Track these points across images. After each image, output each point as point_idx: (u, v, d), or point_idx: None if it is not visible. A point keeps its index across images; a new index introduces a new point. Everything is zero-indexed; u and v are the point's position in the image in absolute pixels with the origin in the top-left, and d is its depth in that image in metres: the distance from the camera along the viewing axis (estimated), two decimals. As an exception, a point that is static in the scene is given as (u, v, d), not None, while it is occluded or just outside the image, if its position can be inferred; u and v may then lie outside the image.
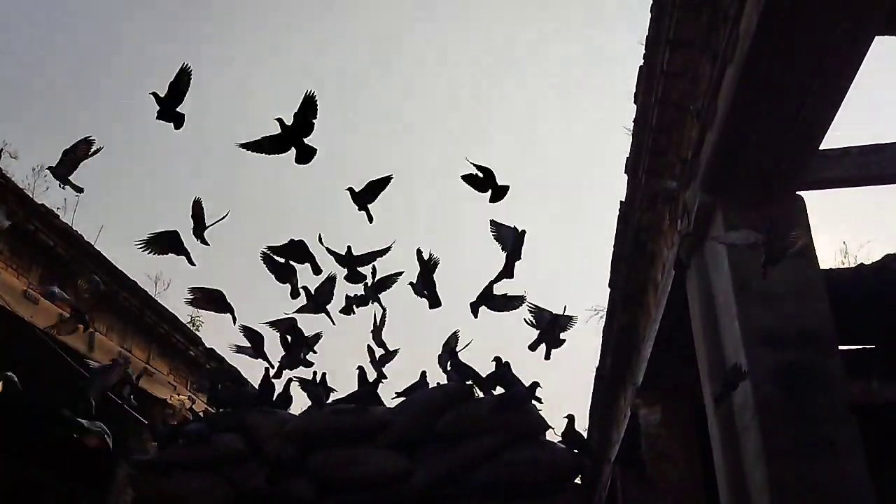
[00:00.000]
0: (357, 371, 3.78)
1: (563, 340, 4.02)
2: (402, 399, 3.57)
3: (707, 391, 5.26)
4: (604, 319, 9.61)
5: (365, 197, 3.79)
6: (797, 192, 4.65)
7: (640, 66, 5.07)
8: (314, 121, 3.49)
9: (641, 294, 7.99)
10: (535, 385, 3.29)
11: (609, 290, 8.55)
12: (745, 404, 4.34)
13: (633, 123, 5.61)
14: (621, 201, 6.71)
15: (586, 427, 14.03)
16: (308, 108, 3.43)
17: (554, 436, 3.28)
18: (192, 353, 11.28)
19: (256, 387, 4.65)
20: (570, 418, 3.36)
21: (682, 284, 5.78)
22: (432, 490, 2.62)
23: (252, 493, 3.06)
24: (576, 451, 3.37)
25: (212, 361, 11.68)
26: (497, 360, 3.59)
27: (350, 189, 3.77)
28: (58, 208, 8.40)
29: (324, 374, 4.12)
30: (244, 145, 3.56)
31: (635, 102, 5.38)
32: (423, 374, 3.86)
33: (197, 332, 11.49)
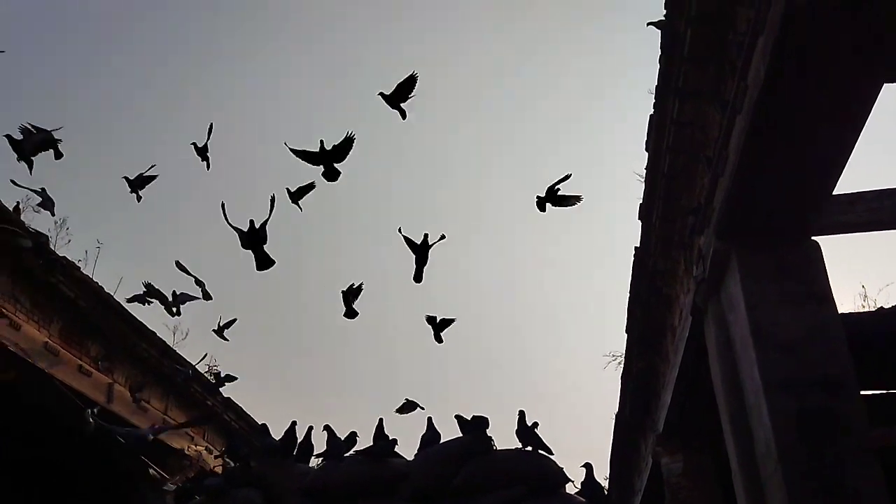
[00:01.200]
0: (376, 422, 3.84)
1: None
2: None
3: (729, 439, 5.20)
4: (622, 365, 9.56)
5: (396, 97, 4.27)
6: (812, 238, 4.66)
7: (651, 116, 5.15)
8: (346, 153, 4.25)
9: (659, 339, 7.94)
10: (535, 425, 3.33)
11: (626, 335, 8.52)
12: (768, 453, 4.28)
13: (645, 171, 5.67)
14: (636, 247, 6.73)
15: (607, 475, 13.81)
16: (346, 144, 3.98)
17: (573, 487, 3.25)
18: (210, 403, 11.30)
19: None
20: (588, 467, 3.32)
21: (700, 330, 5.76)
22: (451, 544, 2.63)
23: (270, 547, 3.06)
24: (594, 502, 3.34)
25: (228, 412, 11.70)
26: (521, 413, 3.65)
27: (381, 93, 4.20)
28: (78, 260, 8.55)
29: (353, 433, 4.30)
30: (293, 150, 4.18)
31: (647, 150, 5.45)
32: (430, 420, 3.96)
33: (213, 382, 11.52)
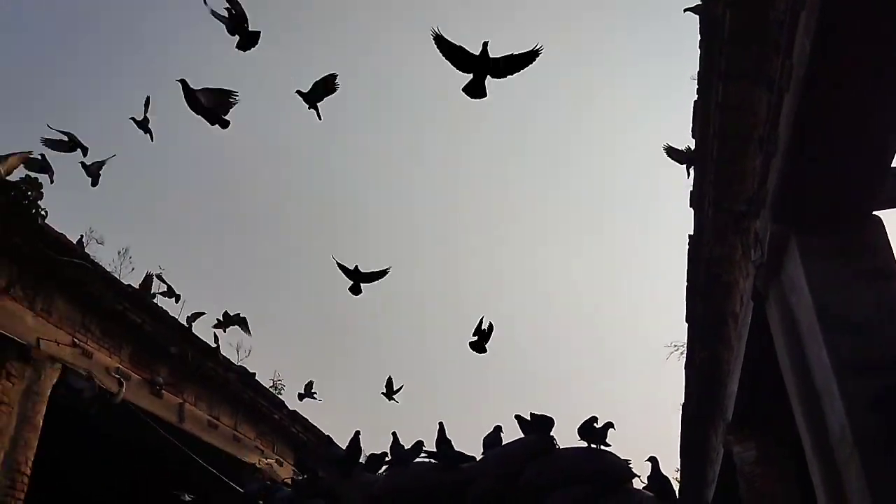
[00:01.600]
0: (438, 427, 3.88)
1: None
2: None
3: (801, 425, 5.06)
4: (684, 356, 9.39)
5: (313, 96, 4.37)
6: (874, 213, 4.50)
7: (695, 101, 5.06)
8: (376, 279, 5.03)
9: (721, 327, 7.78)
10: (608, 425, 3.32)
11: (686, 324, 8.37)
12: (843, 438, 4.15)
13: (692, 158, 5.58)
14: (689, 235, 6.62)
15: (678, 467, 13.56)
16: (380, 274, 4.97)
17: (640, 482, 3.22)
18: (277, 417, 11.54)
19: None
20: (654, 461, 3.27)
21: (763, 315, 5.62)
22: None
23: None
24: (661, 496, 3.30)
25: (296, 424, 11.92)
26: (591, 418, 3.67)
27: (298, 91, 4.33)
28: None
29: (419, 441, 4.51)
30: (338, 263, 5.05)
31: (693, 136, 5.35)
32: (498, 427, 4.06)
33: (279, 396, 11.77)
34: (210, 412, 10.10)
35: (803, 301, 4.60)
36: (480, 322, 5.35)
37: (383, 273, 5.00)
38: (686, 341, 9.00)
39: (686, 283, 7.58)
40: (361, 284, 5.08)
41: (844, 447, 4.16)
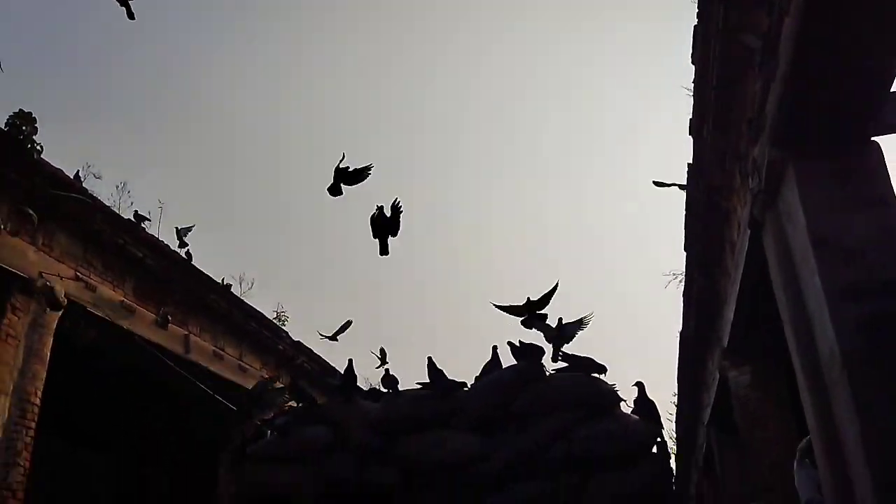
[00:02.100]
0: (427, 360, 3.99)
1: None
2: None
3: (793, 348, 5.15)
4: (683, 283, 9.47)
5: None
6: (872, 139, 4.46)
7: (695, 26, 4.95)
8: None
9: (719, 254, 7.82)
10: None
11: (685, 253, 8.41)
12: (832, 360, 4.23)
13: (692, 84, 5.49)
14: (688, 163, 6.58)
15: (675, 391, 13.84)
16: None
17: (627, 407, 3.31)
18: (281, 348, 11.74)
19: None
20: (640, 386, 3.36)
21: (760, 243, 5.64)
22: (511, 469, 2.70)
23: (342, 481, 3.20)
24: (647, 419, 3.39)
25: (300, 355, 12.14)
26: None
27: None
28: (144, 220, 8.85)
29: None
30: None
31: (693, 62, 5.26)
32: (495, 348, 4.09)
33: (283, 327, 11.95)
34: (215, 343, 10.28)
35: (798, 227, 4.61)
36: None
37: (366, 170, 4.50)
38: (685, 269, 9.08)
39: (685, 211, 7.58)
40: (342, 186, 4.60)
41: (834, 369, 4.24)
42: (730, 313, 7.73)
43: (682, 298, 9.83)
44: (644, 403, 3.55)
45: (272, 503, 3.99)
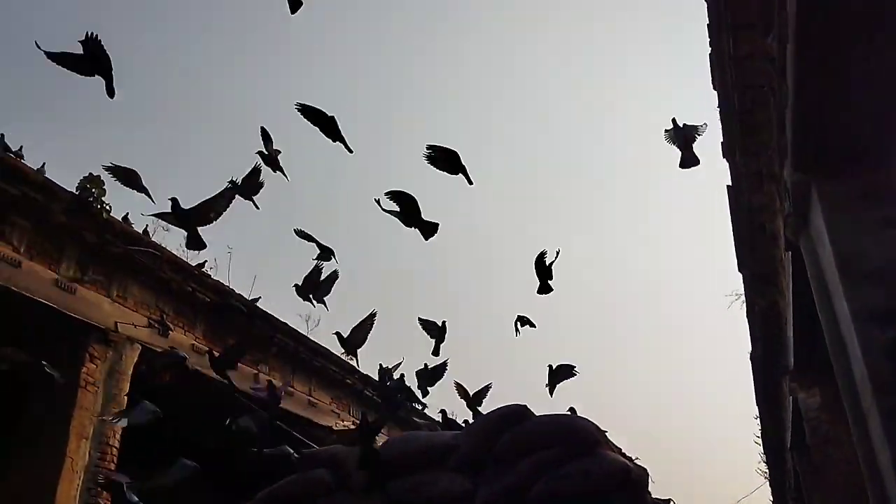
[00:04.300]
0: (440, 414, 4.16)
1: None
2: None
3: (836, 373, 5.01)
4: (744, 304, 9.25)
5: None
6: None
7: (710, 54, 4.98)
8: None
9: (773, 274, 7.64)
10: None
11: (740, 273, 8.24)
12: (864, 386, 4.12)
13: (717, 109, 5.49)
14: (727, 185, 6.52)
15: (757, 414, 13.34)
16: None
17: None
18: (350, 382, 12.06)
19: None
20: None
21: (801, 264, 5.53)
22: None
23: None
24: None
25: (368, 387, 12.43)
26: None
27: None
28: (210, 268, 9.38)
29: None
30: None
31: (714, 88, 5.27)
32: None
33: (350, 361, 12.28)
34: (284, 380, 10.68)
35: (825, 250, 4.53)
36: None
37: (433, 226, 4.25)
38: (743, 290, 8.87)
39: (733, 233, 7.46)
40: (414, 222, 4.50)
41: (867, 395, 4.13)
42: (790, 333, 7.52)
43: (745, 319, 9.61)
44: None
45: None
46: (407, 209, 4.08)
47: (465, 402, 5.54)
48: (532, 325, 5.12)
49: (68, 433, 7.25)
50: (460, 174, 3.93)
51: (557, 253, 4.50)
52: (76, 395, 7.39)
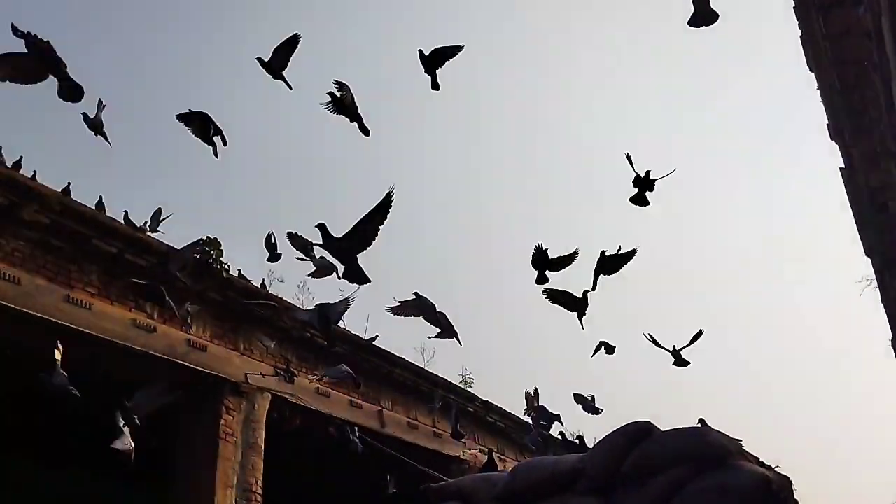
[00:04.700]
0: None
1: None
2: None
3: None
4: (878, 289, 8.71)
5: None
6: None
7: (800, 34, 4.78)
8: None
9: (904, 255, 7.17)
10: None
11: (868, 259, 7.76)
12: None
13: (818, 90, 5.25)
14: (840, 168, 6.19)
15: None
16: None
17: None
18: (472, 410, 12.12)
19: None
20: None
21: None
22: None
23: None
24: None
25: (490, 414, 12.45)
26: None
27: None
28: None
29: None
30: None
31: (810, 69, 5.05)
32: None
33: (469, 389, 12.35)
34: (407, 414, 10.88)
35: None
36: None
37: (571, 258, 4.47)
38: (874, 276, 8.35)
39: (853, 217, 7.06)
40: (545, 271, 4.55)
41: None
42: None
43: (882, 305, 9.03)
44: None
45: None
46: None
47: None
48: (609, 352, 5.33)
49: (214, 484, 7.68)
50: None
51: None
52: (217, 447, 7.83)
